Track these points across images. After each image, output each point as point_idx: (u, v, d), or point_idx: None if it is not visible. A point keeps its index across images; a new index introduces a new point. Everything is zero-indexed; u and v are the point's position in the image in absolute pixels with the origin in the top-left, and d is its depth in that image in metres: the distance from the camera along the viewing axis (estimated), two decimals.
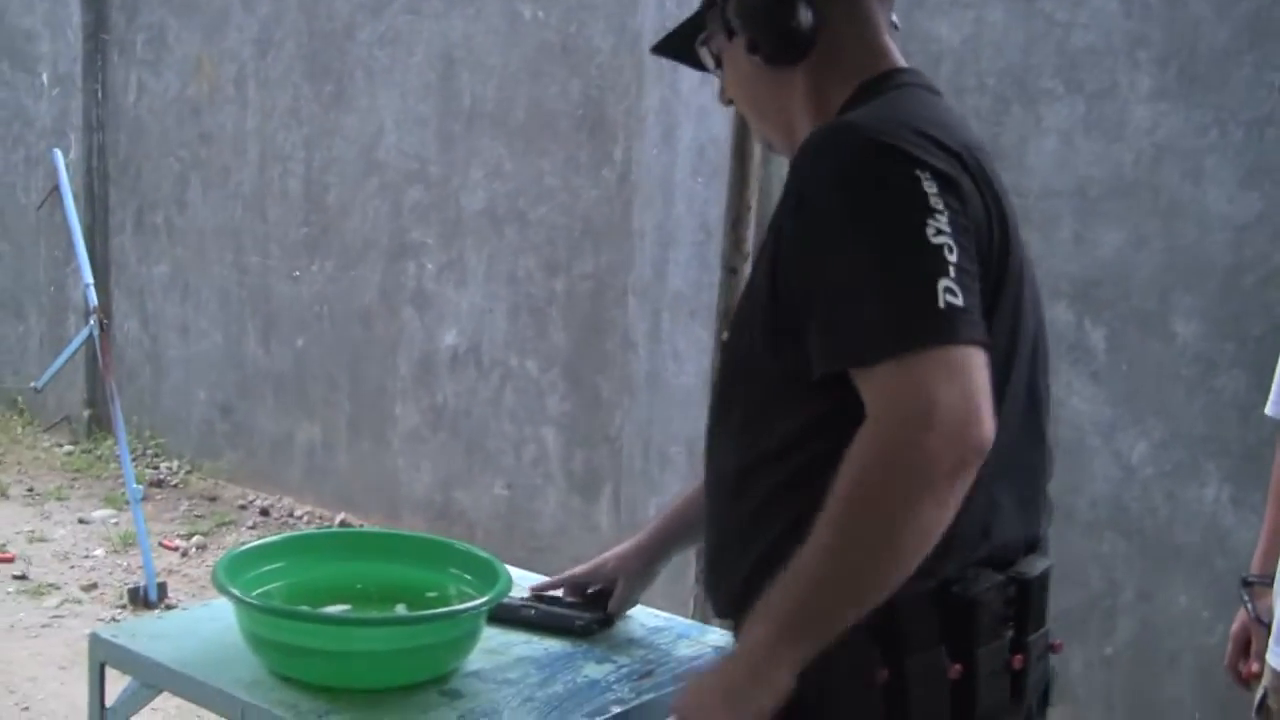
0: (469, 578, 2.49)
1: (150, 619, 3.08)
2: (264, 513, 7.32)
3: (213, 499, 7.57)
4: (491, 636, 2.47)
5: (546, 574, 2.77)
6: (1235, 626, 2.98)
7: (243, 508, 7.43)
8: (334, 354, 7.19)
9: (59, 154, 6.58)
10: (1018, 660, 1.80)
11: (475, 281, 6.46)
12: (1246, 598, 2.91)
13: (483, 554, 2.56)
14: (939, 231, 1.63)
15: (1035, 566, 1.85)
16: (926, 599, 1.72)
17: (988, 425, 1.59)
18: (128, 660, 2.43)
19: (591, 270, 5.97)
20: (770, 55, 1.94)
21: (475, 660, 2.38)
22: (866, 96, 1.89)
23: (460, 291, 6.52)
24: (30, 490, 7.60)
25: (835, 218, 1.69)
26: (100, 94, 8.38)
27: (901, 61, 1.98)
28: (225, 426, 7.85)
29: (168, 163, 8.02)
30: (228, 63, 7.58)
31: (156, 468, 7.99)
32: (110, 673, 2.48)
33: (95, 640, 2.50)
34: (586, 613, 2.58)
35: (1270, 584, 2.82)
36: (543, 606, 2.61)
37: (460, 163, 6.47)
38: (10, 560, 6.42)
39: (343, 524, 7.06)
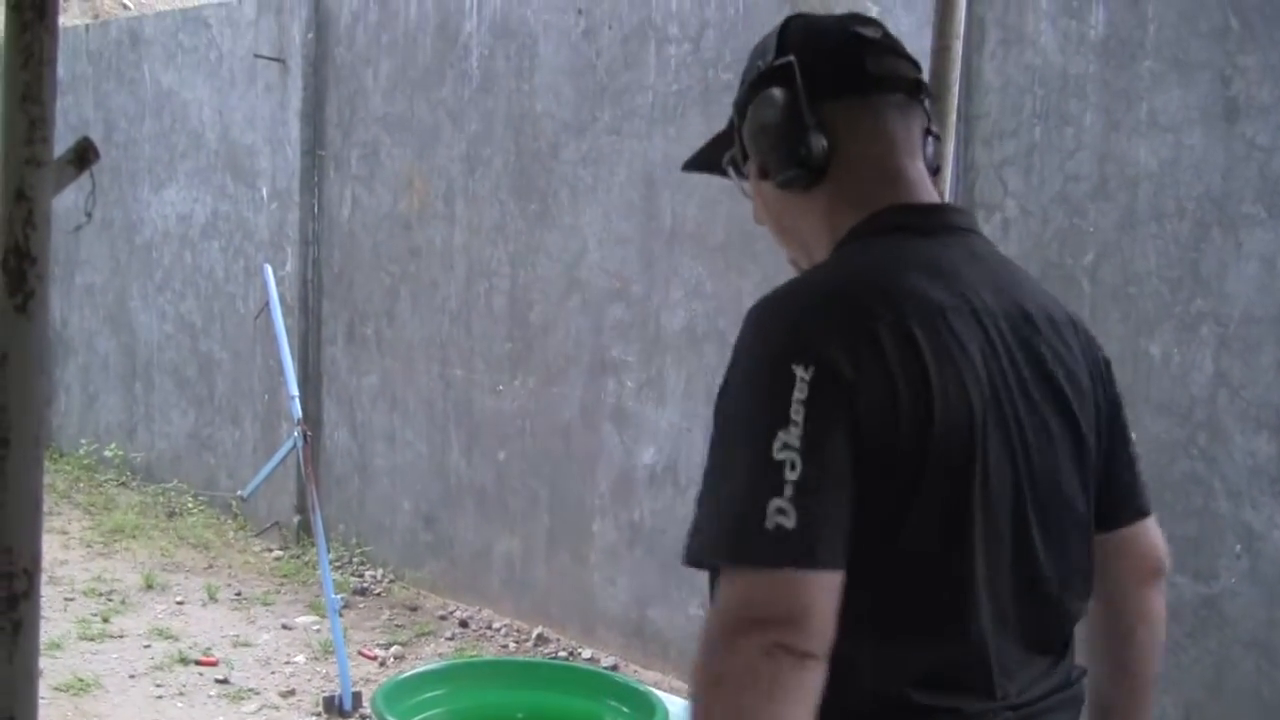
0: (626, 710, 2.49)
1: None
2: (463, 624, 7.37)
3: (414, 609, 7.65)
4: None
5: None
6: None
7: (443, 618, 7.49)
8: (534, 468, 7.25)
9: (268, 269, 6.76)
10: None
11: (674, 400, 6.48)
12: None
13: (639, 686, 2.55)
14: (785, 446, 1.63)
15: None
16: None
17: (807, 638, 1.60)
18: None
19: None
20: (782, 181, 1.91)
21: None
22: (864, 231, 1.85)
23: (659, 410, 6.55)
24: (238, 595, 7.75)
25: (723, 403, 1.75)
26: (316, 208, 8.63)
27: (916, 193, 1.90)
28: (428, 536, 7.95)
29: (379, 276, 8.20)
30: (437, 179, 7.75)
31: (361, 575, 8.11)
32: None
33: None
34: None
35: None
36: None
37: (661, 281, 6.52)
38: (214, 664, 6.55)
39: (539, 638, 7.09)
